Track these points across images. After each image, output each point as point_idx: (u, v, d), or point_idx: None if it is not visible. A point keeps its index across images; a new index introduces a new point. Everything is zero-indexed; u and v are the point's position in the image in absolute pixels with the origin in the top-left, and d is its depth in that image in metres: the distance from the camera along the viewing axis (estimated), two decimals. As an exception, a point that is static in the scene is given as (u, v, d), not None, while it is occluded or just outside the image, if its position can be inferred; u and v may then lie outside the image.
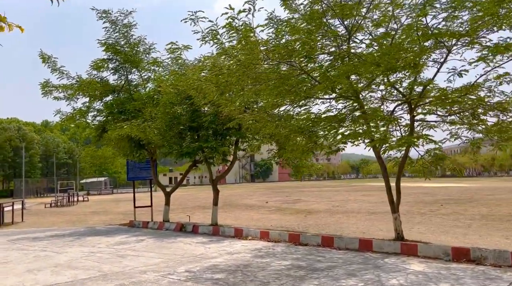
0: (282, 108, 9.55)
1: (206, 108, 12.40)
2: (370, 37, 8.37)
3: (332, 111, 8.86)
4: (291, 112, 9.48)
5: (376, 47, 8.01)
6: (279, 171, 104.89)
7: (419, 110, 8.29)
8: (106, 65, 14.25)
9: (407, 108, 8.37)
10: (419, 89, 8.26)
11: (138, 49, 14.32)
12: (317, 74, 8.30)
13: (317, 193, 33.84)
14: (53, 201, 33.48)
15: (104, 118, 14.35)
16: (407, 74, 8.27)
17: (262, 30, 8.08)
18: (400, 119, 8.38)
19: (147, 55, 14.49)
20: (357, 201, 22.97)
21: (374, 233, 10.33)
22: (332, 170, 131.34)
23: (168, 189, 15.16)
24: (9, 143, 68.14)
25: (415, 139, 7.71)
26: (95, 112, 14.46)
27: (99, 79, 14.43)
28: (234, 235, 10.71)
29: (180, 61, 12.53)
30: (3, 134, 68.14)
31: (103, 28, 13.89)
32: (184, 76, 10.72)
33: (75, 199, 35.85)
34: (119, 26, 13.93)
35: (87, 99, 14.42)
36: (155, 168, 15.28)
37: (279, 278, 6.04)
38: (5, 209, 19.72)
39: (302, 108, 9.18)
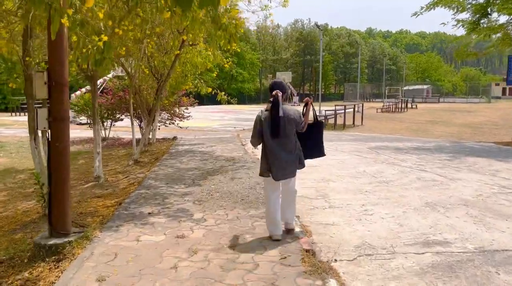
0: None
1: None
2: None
3: None
4: None
5: None
6: None
7: None
8: None
9: None
10: None
11: None
12: None
13: None
14: (384, 106, 32.92)
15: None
16: None
17: None
18: None
19: None
20: None
21: None
22: None
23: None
24: (341, 49, 72.79)
25: None
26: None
27: None
28: None
29: None
30: (337, 41, 73.15)
31: None
32: None
33: (404, 105, 34.06)
34: None
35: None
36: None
37: None
38: (347, 111, 19.68)
39: None
